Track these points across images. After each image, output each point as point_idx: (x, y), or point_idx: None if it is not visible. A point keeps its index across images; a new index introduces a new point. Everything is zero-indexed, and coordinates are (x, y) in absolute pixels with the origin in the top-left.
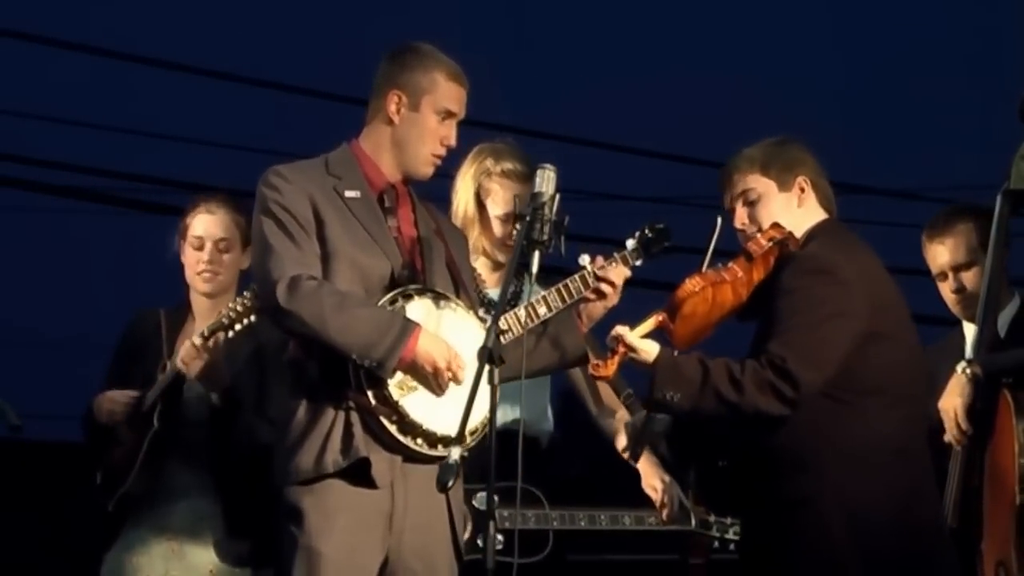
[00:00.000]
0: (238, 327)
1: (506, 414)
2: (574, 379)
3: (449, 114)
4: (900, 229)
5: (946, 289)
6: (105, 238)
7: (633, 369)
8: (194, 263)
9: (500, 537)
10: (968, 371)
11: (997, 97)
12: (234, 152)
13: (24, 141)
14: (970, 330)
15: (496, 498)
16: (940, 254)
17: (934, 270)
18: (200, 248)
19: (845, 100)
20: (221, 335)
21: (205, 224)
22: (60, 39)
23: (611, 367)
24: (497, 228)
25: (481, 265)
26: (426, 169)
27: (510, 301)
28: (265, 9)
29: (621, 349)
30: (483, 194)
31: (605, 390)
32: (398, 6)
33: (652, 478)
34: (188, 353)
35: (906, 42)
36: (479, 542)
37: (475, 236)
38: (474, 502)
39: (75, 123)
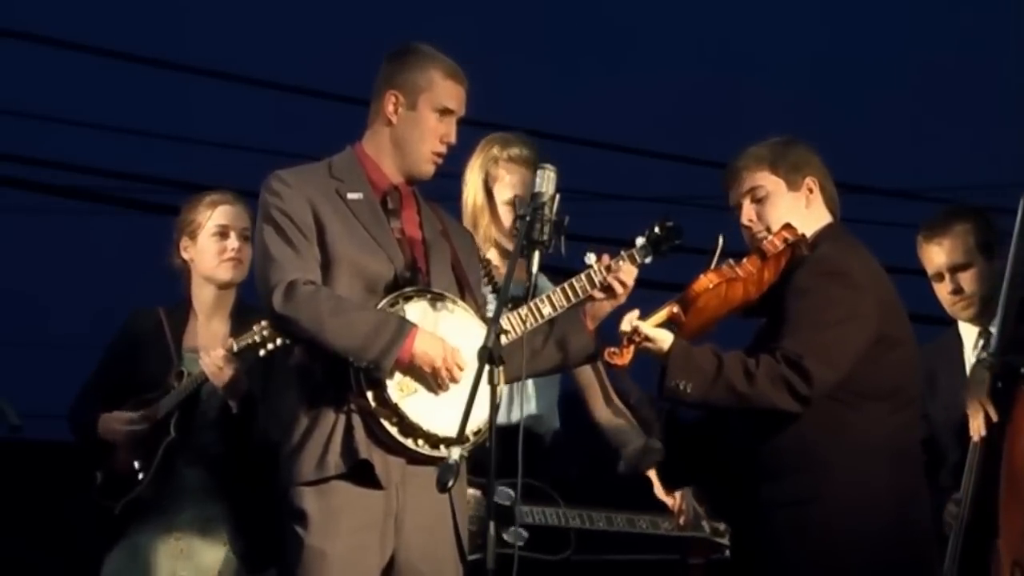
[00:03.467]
0: (271, 347)
1: (519, 411)
2: (580, 379)
3: (447, 111)
4: (900, 229)
5: (942, 291)
6: (105, 238)
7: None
8: (218, 252)
9: (525, 533)
10: (988, 365)
11: (997, 97)
12: (234, 152)
13: (24, 141)
14: (966, 330)
15: (512, 495)
16: (936, 255)
17: (930, 271)
18: (225, 236)
19: (845, 99)
20: (250, 353)
21: (228, 214)
22: (60, 39)
23: (627, 356)
24: (504, 215)
25: (494, 255)
26: (427, 168)
27: (524, 297)
28: (265, 9)
29: (636, 339)
30: (491, 181)
31: (614, 392)
32: (398, 6)
33: None
34: (215, 364)
35: (906, 41)
36: (505, 537)
37: (485, 225)
38: (496, 498)
39: (75, 123)
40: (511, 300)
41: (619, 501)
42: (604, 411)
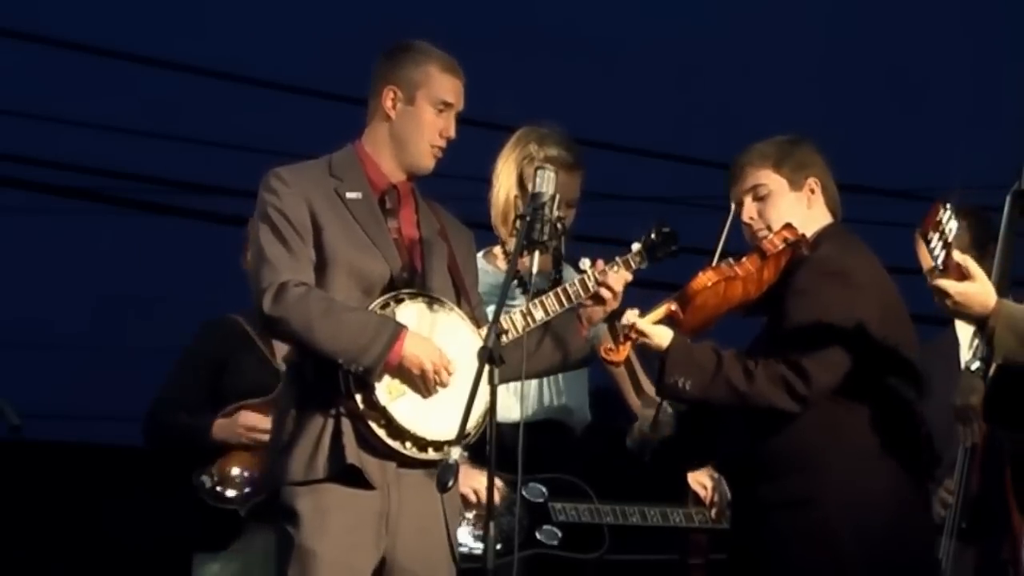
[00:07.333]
0: None
1: (551, 402)
2: (613, 369)
3: (446, 105)
4: (900, 229)
5: None
6: (105, 238)
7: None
8: None
9: (558, 532)
10: (980, 370)
11: (997, 96)
12: (234, 152)
13: (24, 141)
14: (962, 330)
15: (545, 491)
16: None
17: (925, 267)
18: None
19: (845, 99)
20: None
21: None
22: (61, 39)
23: (623, 352)
24: None
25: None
26: (427, 162)
27: (550, 288)
28: (265, 9)
29: (633, 335)
30: (526, 179)
31: (647, 382)
32: (398, 6)
33: (700, 475)
34: None
35: (906, 40)
36: (538, 536)
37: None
38: (525, 493)
39: (75, 123)
40: (537, 292)
41: (646, 492)
42: (635, 402)
